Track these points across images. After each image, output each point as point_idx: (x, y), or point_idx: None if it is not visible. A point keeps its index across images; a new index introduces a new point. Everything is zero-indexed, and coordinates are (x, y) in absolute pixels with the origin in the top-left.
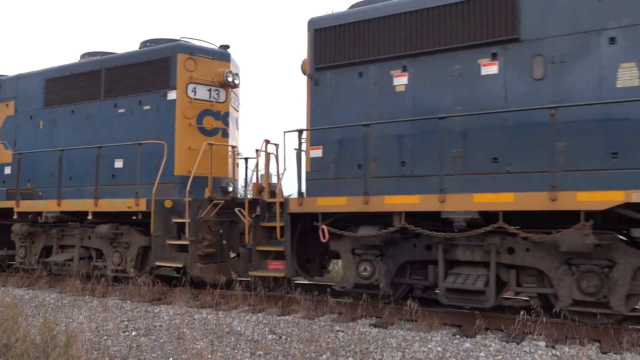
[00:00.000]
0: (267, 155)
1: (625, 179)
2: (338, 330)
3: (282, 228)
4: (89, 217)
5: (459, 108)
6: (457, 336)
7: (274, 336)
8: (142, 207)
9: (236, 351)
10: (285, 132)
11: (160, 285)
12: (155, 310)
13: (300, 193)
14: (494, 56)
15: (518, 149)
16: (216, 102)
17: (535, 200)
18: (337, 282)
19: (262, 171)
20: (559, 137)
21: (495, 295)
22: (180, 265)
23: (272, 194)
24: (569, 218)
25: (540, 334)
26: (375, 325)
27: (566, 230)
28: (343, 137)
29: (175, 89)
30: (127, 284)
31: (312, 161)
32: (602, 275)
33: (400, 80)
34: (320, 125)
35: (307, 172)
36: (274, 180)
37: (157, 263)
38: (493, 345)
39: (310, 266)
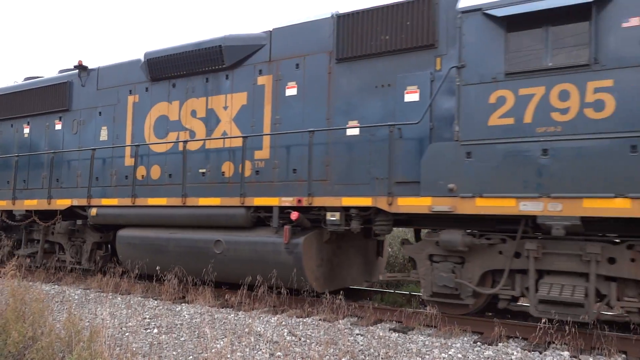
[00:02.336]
0: None
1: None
2: (357, 334)
3: None
4: None
5: (47, 148)
6: (479, 343)
7: (294, 338)
8: None
9: (255, 352)
10: None
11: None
12: (177, 309)
13: None
14: (60, 118)
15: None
16: None
17: (39, 205)
18: None
19: None
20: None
21: (41, 257)
22: None
23: None
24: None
25: (565, 344)
26: (395, 330)
27: (54, 220)
28: None
29: None
30: None
31: None
32: (80, 245)
33: (26, 130)
34: None
35: None
36: None
37: None
38: (515, 354)
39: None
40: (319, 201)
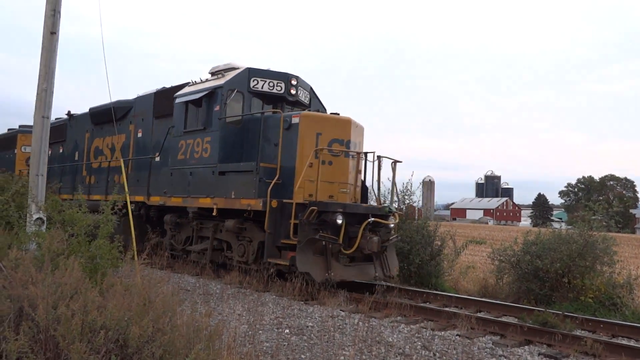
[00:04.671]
0: None
1: None
2: (501, 356)
3: None
4: None
5: (58, 163)
6: None
7: (427, 352)
8: None
9: None
10: None
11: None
12: (309, 310)
13: None
14: (62, 145)
15: None
16: None
17: None
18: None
19: None
20: None
21: None
22: None
23: None
24: None
25: None
26: (545, 355)
27: None
28: None
29: None
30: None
31: None
32: None
33: (49, 152)
34: None
35: None
36: None
37: None
38: None
39: None
40: (130, 197)
